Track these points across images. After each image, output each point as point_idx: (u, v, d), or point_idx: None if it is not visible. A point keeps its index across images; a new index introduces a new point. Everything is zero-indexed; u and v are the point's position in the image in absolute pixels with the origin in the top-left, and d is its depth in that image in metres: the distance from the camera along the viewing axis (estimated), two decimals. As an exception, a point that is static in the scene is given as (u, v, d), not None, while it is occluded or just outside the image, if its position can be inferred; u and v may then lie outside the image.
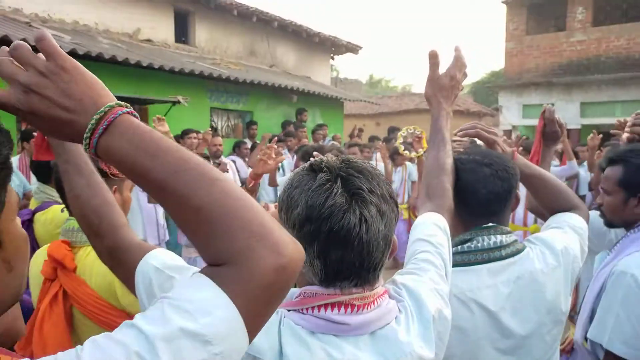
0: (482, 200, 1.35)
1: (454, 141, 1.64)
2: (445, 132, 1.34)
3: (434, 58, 1.35)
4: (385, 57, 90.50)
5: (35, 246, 2.57)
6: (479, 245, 1.32)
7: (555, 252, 1.36)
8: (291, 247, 0.57)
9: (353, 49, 12.88)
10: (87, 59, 6.16)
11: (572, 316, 2.28)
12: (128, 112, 0.61)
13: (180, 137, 5.42)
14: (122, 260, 0.97)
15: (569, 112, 11.64)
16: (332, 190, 0.81)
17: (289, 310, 0.84)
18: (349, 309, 0.83)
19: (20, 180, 4.66)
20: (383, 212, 0.84)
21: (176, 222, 0.60)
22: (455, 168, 1.37)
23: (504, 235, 1.34)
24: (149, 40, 8.55)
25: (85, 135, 0.60)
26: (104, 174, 1.47)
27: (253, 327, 0.56)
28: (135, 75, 7.01)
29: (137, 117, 0.62)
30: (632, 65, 11.51)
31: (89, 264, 1.50)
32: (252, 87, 9.03)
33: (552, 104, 2.10)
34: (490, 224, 1.35)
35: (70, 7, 7.45)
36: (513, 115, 13.02)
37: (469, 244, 1.33)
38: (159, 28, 8.91)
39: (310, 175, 0.85)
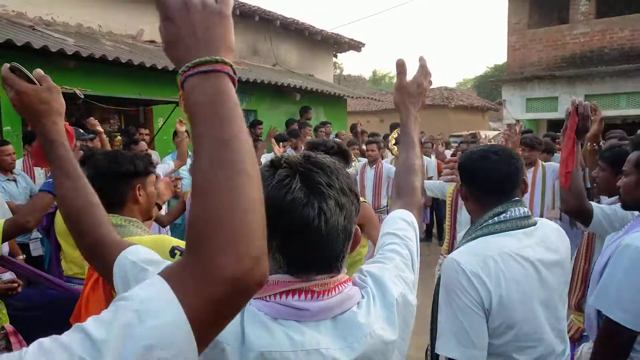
0: (495, 181, 1.59)
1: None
2: (414, 135, 1.42)
3: (400, 67, 1.42)
4: (388, 52, 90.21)
5: (54, 236, 2.62)
6: (513, 214, 1.56)
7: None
8: (255, 266, 0.58)
9: (356, 46, 12.84)
10: (91, 61, 6.19)
11: (581, 305, 2.30)
12: (230, 77, 0.66)
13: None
14: (101, 255, 1.03)
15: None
16: (291, 185, 0.84)
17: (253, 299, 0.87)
18: (309, 295, 0.86)
19: (27, 183, 4.69)
20: (342, 205, 0.87)
21: (192, 190, 0.62)
22: (470, 158, 1.65)
23: (525, 208, 1.60)
24: (152, 42, 8.56)
25: (188, 64, 0.65)
26: (128, 174, 1.67)
27: (202, 336, 0.56)
28: (139, 76, 7.03)
29: (234, 85, 0.67)
30: (636, 56, 11.41)
31: None
32: (256, 86, 9.03)
33: (585, 100, 2.17)
34: (517, 198, 1.60)
35: (74, 10, 7.46)
36: (516, 109, 12.97)
37: (504, 214, 1.56)
38: (162, 29, 8.89)
39: (270, 171, 0.88)
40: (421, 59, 1.45)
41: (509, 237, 1.54)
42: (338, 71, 27.40)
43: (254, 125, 8.19)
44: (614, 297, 1.63)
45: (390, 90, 25.24)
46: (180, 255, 1.29)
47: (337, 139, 6.90)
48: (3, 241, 2.12)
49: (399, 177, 1.37)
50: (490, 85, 18.58)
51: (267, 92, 9.50)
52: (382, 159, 6.44)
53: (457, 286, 1.46)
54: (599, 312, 1.74)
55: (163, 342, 0.52)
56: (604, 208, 2.15)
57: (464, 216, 3.43)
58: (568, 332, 1.89)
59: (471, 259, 1.48)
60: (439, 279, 1.56)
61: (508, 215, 1.56)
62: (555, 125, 11.96)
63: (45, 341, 0.51)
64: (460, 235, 1.72)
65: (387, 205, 6.08)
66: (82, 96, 5.75)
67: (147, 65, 6.67)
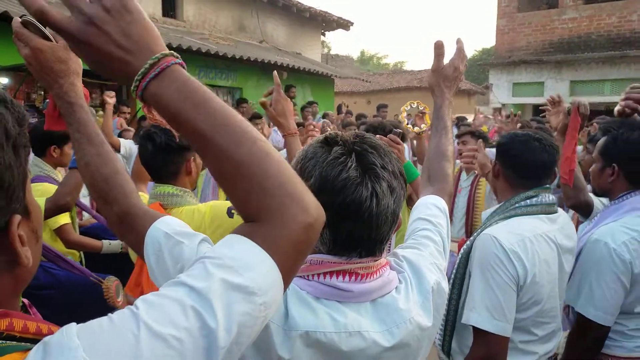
0: (532, 167, 1.66)
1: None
2: (447, 120, 1.41)
3: (439, 48, 1.41)
4: (377, 33, 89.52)
5: None
6: (543, 200, 1.64)
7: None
8: (318, 209, 0.62)
9: (344, 24, 12.70)
10: None
11: None
12: (179, 64, 0.64)
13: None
14: (131, 226, 0.98)
15: (558, 91, 11.63)
16: (346, 164, 0.84)
17: None
18: (353, 277, 0.87)
19: None
20: (393, 188, 0.87)
21: (214, 174, 0.62)
22: (512, 139, 1.71)
23: (553, 196, 1.68)
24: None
25: (136, 77, 0.63)
26: (183, 147, 1.75)
27: (286, 280, 0.60)
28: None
29: (185, 69, 0.65)
30: (623, 43, 11.49)
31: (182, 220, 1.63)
32: (242, 63, 8.91)
33: (569, 86, 2.20)
34: (547, 186, 1.67)
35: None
36: (503, 93, 13.01)
37: (535, 198, 1.64)
38: (146, 1, 8.69)
39: (325, 148, 0.88)
40: (459, 41, 1.45)
41: (540, 220, 1.61)
42: (326, 50, 27.11)
43: (238, 103, 8.10)
44: (585, 294, 1.66)
45: (378, 72, 25.13)
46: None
47: (327, 120, 6.90)
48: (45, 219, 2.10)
49: (430, 162, 1.36)
50: (478, 69, 18.59)
51: (253, 70, 9.37)
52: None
53: (495, 262, 1.51)
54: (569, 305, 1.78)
55: (262, 290, 0.56)
56: (601, 199, 2.17)
57: (461, 200, 3.46)
58: None
59: (510, 237, 1.53)
60: (461, 251, 1.66)
61: (539, 200, 1.64)
62: (540, 111, 12.03)
63: (150, 297, 0.52)
64: (485, 213, 1.77)
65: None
66: None
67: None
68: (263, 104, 1.71)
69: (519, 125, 4.60)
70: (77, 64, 1.08)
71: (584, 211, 2.13)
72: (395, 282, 0.93)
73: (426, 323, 0.93)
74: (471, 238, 1.66)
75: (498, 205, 1.73)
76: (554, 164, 1.68)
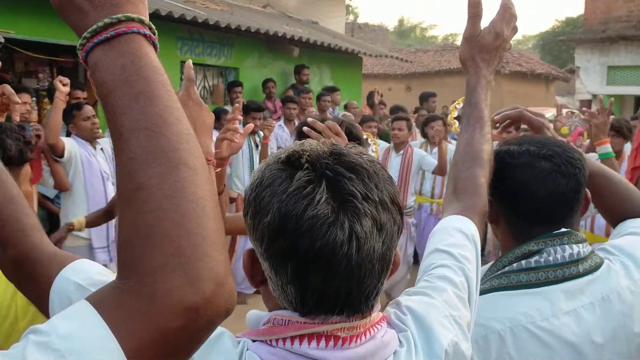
0: (541, 204, 1.40)
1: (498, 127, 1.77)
2: (484, 108, 1.40)
3: (474, 7, 1.40)
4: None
5: None
6: (551, 258, 1.37)
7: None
8: (217, 290, 0.60)
9: (378, -16, 12.72)
10: None
11: None
12: (144, 35, 0.68)
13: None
14: (31, 275, 0.99)
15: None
16: (314, 196, 0.83)
17: (254, 341, 0.88)
18: (332, 342, 0.86)
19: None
20: (381, 225, 0.86)
21: (118, 196, 0.65)
22: (504, 163, 1.44)
23: (580, 245, 1.39)
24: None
25: (84, 34, 0.67)
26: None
27: None
28: (79, 15, 6.98)
29: (154, 47, 0.70)
30: None
31: None
32: (239, 36, 8.96)
33: None
34: (564, 230, 1.40)
35: None
36: (594, 80, 13.01)
37: (537, 257, 1.37)
38: (114, -49, 8.82)
39: (286, 172, 0.87)
40: None
41: (537, 298, 1.34)
42: (352, 18, 27.25)
43: (230, 87, 8.13)
44: None
45: (422, 47, 25.20)
46: None
47: (347, 116, 6.88)
48: None
49: (458, 168, 1.35)
50: (560, 46, 18.51)
51: (254, 44, 9.43)
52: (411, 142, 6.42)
53: None
54: None
55: None
56: None
57: None
58: None
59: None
60: None
61: (543, 260, 1.37)
62: (645, 105, 11.92)
63: None
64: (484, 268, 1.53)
65: (413, 205, 6.09)
66: (2, 39, 5.71)
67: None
68: None
69: (611, 118, 4.59)
70: None
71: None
72: (394, 345, 0.91)
73: None
74: None
75: (488, 266, 1.51)
76: (578, 192, 1.43)
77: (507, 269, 1.40)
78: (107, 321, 0.56)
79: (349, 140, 2.47)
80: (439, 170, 5.63)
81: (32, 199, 1.82)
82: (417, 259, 6.11)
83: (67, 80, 4.51)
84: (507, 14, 1.42)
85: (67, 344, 0.55)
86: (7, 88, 2.66)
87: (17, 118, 3.16)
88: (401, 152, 6.04)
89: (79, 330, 0.56)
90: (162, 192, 0.60)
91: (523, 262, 1.39)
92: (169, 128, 0.64)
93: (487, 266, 1.49)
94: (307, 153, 0.87)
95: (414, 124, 7.43)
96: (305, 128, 1.90)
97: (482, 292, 1.33)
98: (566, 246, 1.38)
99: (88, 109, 4.69)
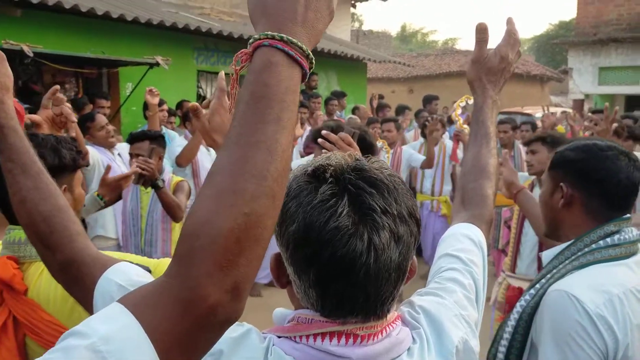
0: (623, 191, 1.60)
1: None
2: (490, 125, 1.43)
3: (481, 33, 1.44)
4: (422, 2, 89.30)
5: None
6: (627, 237, 1.58)
7: None
8: (239, 305, 0.65)
9: (379, -7, 12.88)
10: (44, 9, 6.26)
11: None
12: (297, 62, 0.76)
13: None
14: (77, 276, 1.02)
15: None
16: (336, 209, 0.86)
17: (279, 337, 0.91)
18: (351, 340, 0.89)
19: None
20: (399, 237, 0.89)
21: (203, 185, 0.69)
22: (593, 153, 1.62)
23: (635, 230, 1.61)
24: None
25: (253, 37, 0.75)
26: (57, 167, 1.63)
27: None
28: (104, 29, 7.15)
29: (304, 74, 0.77)
30: None
31: (44, 284, 1.54)
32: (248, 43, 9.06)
33: None
34: (628, 215, 1.62)
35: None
36: (586, 80, 12.94)
37: (618, 236, 1.57)
38: (132, -32, 9.01)
39: (311, 184, 0.90)
40: (509, 22, 1.46)
41: (625, 268, 1.54)
42: (357, 25, 27.23)
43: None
44: None
45: (424, 52, 25.15)
46: None
47: (352, 119, 7.01)
48: None
49: (466, 180, 1.39)
50: (554, 49, 18.53)
51: (265, 53, 9.50)
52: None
53: (576, 330, 1.43)
54: None
55: None
56: None
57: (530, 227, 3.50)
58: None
59: (595, 297, 1.45)
60: (518, 308, 1.60)
61: (622, 238, 1.57)
62: (635, 104, 11.92)
63: None
64: (548, 254, 1.71)
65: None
66: (31, 54, 5.72)
67: (113, 16, 6.76)
68: (194, 110, 1.37)
69: (613, 125, 4.46)
70: (6, 76, 1.12)
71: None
72: (408, 341, 0.95)
73: None
74: (531, 291, 1.61)
75: (565, 245, 1.65)
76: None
77: (594, 246, 1.57)
78: (142, 322, 0.58)
79: (362, 146, 2.43)
80: (427, 163, 5.91)
81: (83, 200, 1.98)
82: (419, 253, 6.18)
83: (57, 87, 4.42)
84: (511, 40, 1.44)
85: (108, 346, 0.57)
86: (65, 109, 2.60)
87: (73, 134, 3.14)
88: (391, 151, 6.14)
89: (118, 332, 0.58)
90: (239, 204, 0.64)
91: (608, 239, 1.56)
92: (270, 155, 0.68)
93: (564, 245, 1.64)
94: (332, 168, 0.90)
95: (415, 125, 7.54)
96: (320, 140, 1.90)
97: (584, 266, 1.54)
98: (632, 228, 1.60)
99: (101, 119, 4.57)
